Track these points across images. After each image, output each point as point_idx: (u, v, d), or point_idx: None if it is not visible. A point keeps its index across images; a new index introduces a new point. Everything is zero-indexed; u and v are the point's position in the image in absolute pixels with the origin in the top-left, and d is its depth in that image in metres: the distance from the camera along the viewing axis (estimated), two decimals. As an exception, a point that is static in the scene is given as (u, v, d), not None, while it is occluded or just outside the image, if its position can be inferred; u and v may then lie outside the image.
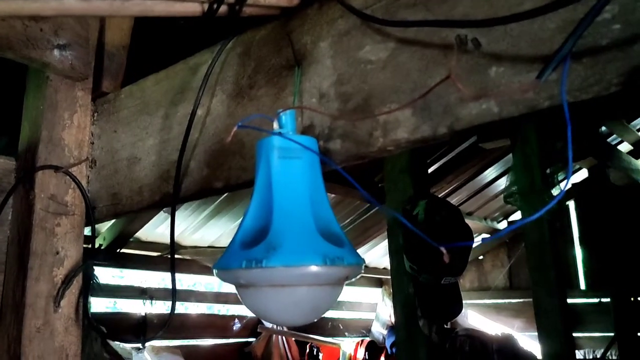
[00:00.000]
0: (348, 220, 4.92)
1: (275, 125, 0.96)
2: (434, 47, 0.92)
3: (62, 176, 1.41)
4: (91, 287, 1.41)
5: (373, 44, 1.00)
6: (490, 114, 0.85)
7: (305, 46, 1.11)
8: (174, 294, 1.29)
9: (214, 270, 0.94)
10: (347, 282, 0.95)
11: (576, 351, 5.28)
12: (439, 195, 4.83)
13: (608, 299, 4.78)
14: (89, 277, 1.42)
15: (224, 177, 1.18)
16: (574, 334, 5.23)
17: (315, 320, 0.98)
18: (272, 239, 0.88)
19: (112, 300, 4.39)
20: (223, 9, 1.09)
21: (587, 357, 5.20)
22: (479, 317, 6.12)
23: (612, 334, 4.52)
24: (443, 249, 0.78)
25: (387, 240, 3.67)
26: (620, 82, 0.74)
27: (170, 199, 1.27)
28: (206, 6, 1.07)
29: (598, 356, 4.84)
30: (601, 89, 0.76)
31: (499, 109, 0.85)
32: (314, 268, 0.85)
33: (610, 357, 4.59)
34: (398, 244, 2.46)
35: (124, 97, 1.47)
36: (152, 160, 1.35)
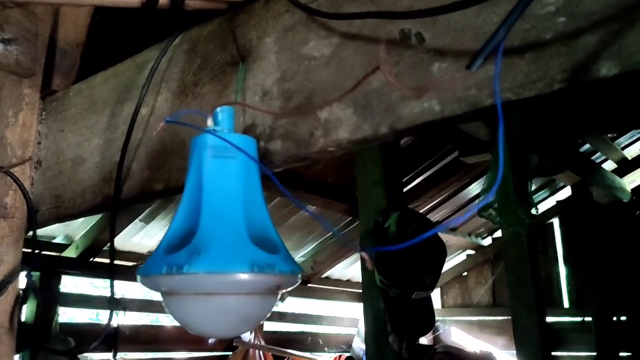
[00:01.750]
0: (330, 234, 4.85)
1: (210, 122, 0.90)
2: (378, 43, 0.86)
3: (2, 176, 1.34)
4: (29, 296, 1.33)
5: (317, 40, 0.95)
6: (432, 112, 0.79)
7: (251, 42, 1.05)
8: (111, 301, 1.21)
9: (137, 277, 0.87)
10: (281, 291, 0.89)
11: (558, 370, 5.23)
12: (423, 210, 4.77)
13: (591, 318, 4.73)
14: (28, 285, 1.34)
15: (164, 178, 1.12)
16: (557, 353, 5.18)
17: (247, 331, 0.92)
18: (197, 243, 0.81)
19: (81, 309, 4.28)
20: (164, 0, 1.03)
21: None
22: (462, 334, 6.03)
23: (594, 354, 4.46)
24: (365, 255, 0.72)
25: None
26: (564, 79, 0.69)
27: (111, 202, 1.20)
28: (145, -3, 1.02)
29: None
30: (544, 85, 0.70)
31: (440, 108, 0.79)
32: (240, 275, 0.79)
33: (592, 377, 4.53)
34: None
35: (73, 95, 1.41)
36: (96, 161, 1.28)
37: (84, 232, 3.78)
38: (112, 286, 1.22)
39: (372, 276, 2.33)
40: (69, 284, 3.83)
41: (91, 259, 3.84)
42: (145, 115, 1.19)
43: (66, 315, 4.05)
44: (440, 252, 2.27)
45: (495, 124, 0.65)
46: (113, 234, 1.19)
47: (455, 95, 0.77)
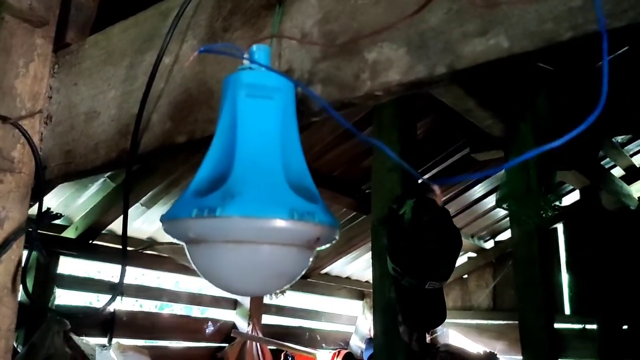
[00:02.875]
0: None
1: (246, 61, 0.82)
2: (436, -24, 0.79)
3: (10, 129, 1.25)
4: (34, 259, 1.25)
5: (366, -23, 0.87)
6: (499, 49, 0.72)
7: (289, -17, 0.97)
8: (120, 285, 1.14)
9: (161, 222, 0.79)
10: (318, 247, 0.81)
11: (558, 377, 5.15)
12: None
13: (593, 326, 4.66)
14: (34, 246, 1.26)
15: (187, 130, 1.04)
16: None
17: (279, 290, 0.83)
18: (231, 186, 0.73)
19: (79, 293, 4.18)
20: None
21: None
22: (460, 337, 5.95)
23: (595, 361, 4.40)
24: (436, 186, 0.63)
25: (370, 253, 3.53)
26: (661, 6, 0.61)
27: (127, 156, 1.12)
28: None
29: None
30: (637, 15, 0.62)
31: (509, 44, 0.71)
32: (278, 222, 0.71)
33: (593, 385, 4.46)
34: (382, 245, 2.31)
35: (88, 47, 1.33)
36: (112, 114, 1.20)
37: (84, 213, 3.69)
38: (122, 271, 1.14)
39: (383, 265, 2.26)
40: (67, 266, 3.73)
41: (90, 241, 3.76)
42: (169, 65, 1.11)
43: (62, 297, 3.96)
44: (456, 241, 2.19)
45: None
46: (127, 199, 1.12)
47: (528, 30, 0.69)
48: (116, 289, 1.18)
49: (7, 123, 1.24)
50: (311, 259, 0.81)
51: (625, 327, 4.61)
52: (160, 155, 1.11)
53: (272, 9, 0.97)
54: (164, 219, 0.78)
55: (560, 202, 2.34)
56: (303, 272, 0.81)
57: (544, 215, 2.22)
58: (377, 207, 2.36)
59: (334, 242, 0.82)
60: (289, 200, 0.73)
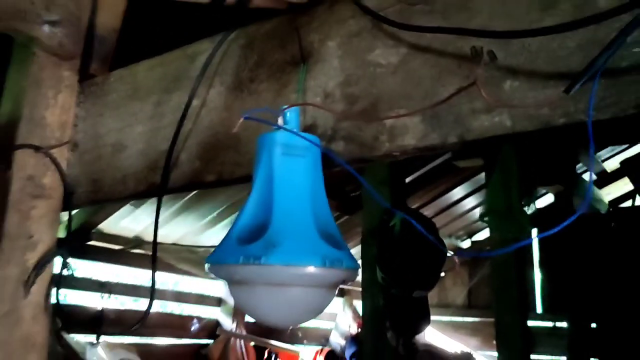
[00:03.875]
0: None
1: (280, 120, 0.94)
2: (448, 56, 0.91)
3: (41, 157, 1.35)
4: (64, 278, 1.35)
5: (384, 48, 0.99)
6: (503, 127, 0.85)
7: (313, 44, 1.09)
8: (152, 291, 1.24)
9: (206, 265, 0.90)
10: (342, 285, 0.93)
11: (529, 373, 5.38)
12: (408, 210, 4.86)
13: (563, 323, 4.88)
14: (63, 265, 1.36)
15: (216, 170, 1.15)
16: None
17: (306, 322, 0.96)
18: (272, 236, 0.85)
19: (67, 291, 4.24)
20: (231, -2, 1.07)
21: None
22: (437, 334, 6.16)
23: (564, 358, 4.61)
24: (455, 257, 0.76)
25: (356, 250, 3.66)
26: (638, 105, 0.75)
27: (156, 190, 1.23)
28: (215, -6, 1.05)
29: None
30: (618, 110, 0.76)
31: (512, 123, 0.84)
32: (312, 269, 0.83)
33: (562, 381, 4.68)
34: (371, 255, 2.45)
35: (114, 81, 1.42)
36: (140, 148, 1.31)
37: (73, 214, 3.75)
38: (153, 276, 1.25)
39: (373, 274, 2.39)
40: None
41: (85, 242, 3.82)
42: (197, 107, 1.22)
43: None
44: (442, 253, 2.34)
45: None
46: (157, 223, 1.22)
47: (527, 113, 0.83)
48: (152, 293, 1.27)
49: (39, 152, 1.34)
50: (334, 295, 0.94)
51: (593, 325, 4.85)
52: (188, 189, 1.22)
53: (297, 65, 1.09)
54: (210, 261, 0.89)
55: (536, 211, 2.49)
56: (329, 303, 0.94)
57: (524, 231, 2.38)
58: (368, 219, 2.49)
59: (357, 277, 0.95)
60: (320, 249, 0.86)
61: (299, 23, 1.12)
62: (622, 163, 4.90)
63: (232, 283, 0.89)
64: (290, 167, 0.92)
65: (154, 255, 1.25)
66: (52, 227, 1.35)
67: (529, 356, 3.60)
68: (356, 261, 0.91)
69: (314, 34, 1.09)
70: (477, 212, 5.30)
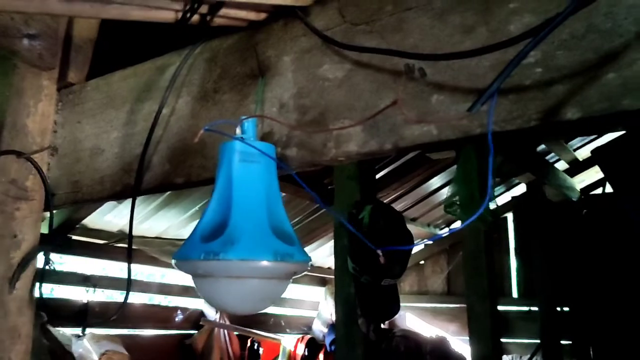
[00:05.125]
0: (296, 219, 5.02)
1: (238, 130, 1.06)
2: (385, 72, 1.03)
3: (23, 162, 1.45)
4: (46, 273, 1.45)
5: (331, 64, 1.11)
6: (430, 135, 0.97)
7: (270, 59, 1.20)
8: (128, 284, 1.35)
9: (173, 261, 1.02)
10: (294, 277, 1.05)
11: (504, 356, 5.57)
12: (385, 201, 4.99)
13: (537, 308, 5.06)
14: (45, 262, 1.47)
15: (184, 173, 1.26)
16: (504, 340, 5.52)
17: (263, 309, 1.08)
18: (230, 234, 0.97)
19: (52, 286, 4.33)
20: (195, 17, 1.17)
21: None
22: (416, 320, 6.33)
23: (538, 341, 4.79)
24: (379, 252, 0.89)
25: (332, 241, 3.79)
26: (538, 118, 0.87)
27: (130, 190, 1.34)
28: (180, 15, 1.15)
29: (525, 361, 5.11)
30: (523, 122, 0.89)
31: (437, 132, 0.96)
32: (265, 263, 0.95)
33: (535, 363, 4.86)
34: (343, 245, 2.57)
35: (90, 90, 1.53)
36: (115, 152, 1.41)
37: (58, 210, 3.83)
38: (129, 269, 1.36)
39: (344, 263, 2.52)
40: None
41: (68, 235, 3.90)
42: (166, 115, 1.32)
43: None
44: (409, 242, 2.47)
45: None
46: (132, 222, 1.33)
47: (450, 124, 0.95)
48: (129, 285, 1.38)
49: (21, 157, 1.44)
50: (287, 285, 1.06)
51: (566, 309, 5.04)
52: (159, 190, 1.33)
53: (256, 78, 1.21)
54: (176, 257, 1.01)
55: (497, 207, 2.62)
56: (282, 293, 1.06)
57: (485, 220, 2.52)
58: (339, 211, 2.61)
59: (307, 269, 1.07)
60: (273, 245, 0.98)
61: (258, 39, 1.23)
62: (592, 152, 5.08)
63: (196, 276, 1.01)
64: (248, 173, 1.03)
65: (129, 249, 1.36)
66: (35, 226, 1.45)
67: (499, 340, 3.77)
68: (306, 255, 1.04)
69: (271, 49, 1.20)
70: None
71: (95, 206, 3.78)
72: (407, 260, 2.46)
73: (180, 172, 1.28)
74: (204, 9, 1.16)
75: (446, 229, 6.62)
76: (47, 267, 1.46)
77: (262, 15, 1.22)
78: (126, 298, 1.39)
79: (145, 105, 1.38)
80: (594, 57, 0.83)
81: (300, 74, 1.15)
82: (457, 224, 6.47)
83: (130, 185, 1.34)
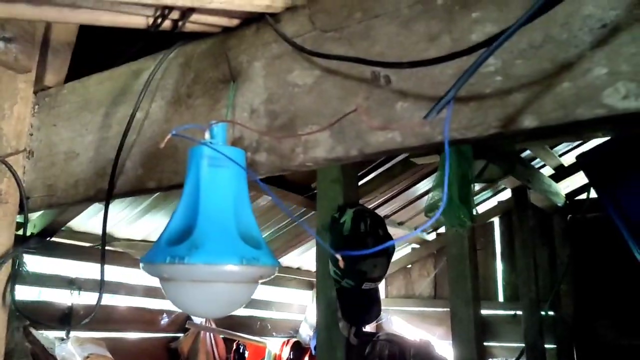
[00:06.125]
0: (283, 223, 5.03)
1: (207, 135, 1.06)
2: (353, 79, 1.05)
3: (-2, 165, 1.45)
4: (19, 275, 1.45)
5: (301, 70, 1.12)
6: (395, 142, 0.99)
7: (242, 64, 1.21)
8: (101, 285, 1.36)
9: (140, 264, 1.03)
10: (262, 281, 1.06)
11: (490, 359, 5.60)
12: (372, 205, 5.01)
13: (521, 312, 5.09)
14: (18, 264, 1.47)
15: (157, 178, 1.27)
16: (489, 343, 5.55)
17: (230, 313, 1.08)
18: (196, 238, 0.98)
19: (37, 288, 4.31)
20: (167, 23, 1.18)
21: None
22: (403, 324, 6.34)
23: (523, 345, 4.82)
24: (338, 256, 0.90)
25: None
26: (498, 126, 0.89)
27: (104, 195, 1.34)
28: (151, 20, 1.16)
29: (509, 365, 5.13)
30: (482, 130, 0.90)
31: (401, 139, 0.98)
32: (231, 267, 0.96)
33: (519, 366, 4.88)
34: (325, 249, 2.58)
35: (67, 93, 1.53)
36: (90, 156, 1.42)
37: (42, 212, 3.82)
38: (102, 271, 1.36)
39: (326, 267, 2.53)
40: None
41: (48, 239, 3.89)
42: (140, 119, 1.33)
43: (21, 293, 4.07)
44: (390, 248, 2.48)
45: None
46: (105, 225, 1.33)
47: (414, 130, 0.96)
48: (102, 287, 1.39)
49: (-5, 161, 1.44)
50: (255, 289, 1.07)
51: (551, 312, 5.07)
52: (132, 195, 1.34)
53: (228, 83, 1.22)
54: (143, 261, 1.02)
55: (477, 213, 2.65)
56: (250, 297, 1.07)
57: (464, 225, 2.54)
58: (321, 215, 2.62)
59: (275, 273, 1.07)
60: (239, 249, 0.98)
61: (230, 44, 1.24)
62: (577, 157, 5.13)
63: (163, 280, 1.01)
64: (216, 177, 1.04)
65: (102, 251, 1.37)
66: (9, 229, 1.45)
67: (482, 344, 3.79)
68: (274, 259, 1.05)
69: (243, 55, 1.22)
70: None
71: (80, 209, 3.78)
72: (387, 264, 2.47)
73: (152, 176, 1.28)
74: (175, 14, 1.17)
75: (433, 235, 6.65)
76: (19, 269, 1.46)
77: (235, 22, 1.23)
78: (99, 301, 1.39)
79: (120, 109, 1.39)
80: (550, 67, 0.85)
81: (270, 80, 1.16)
82: (443, 229, 6.50)
83: (104, 189, 1.35)
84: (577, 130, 2.52)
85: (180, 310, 4.74)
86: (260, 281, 1.06)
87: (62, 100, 1.53)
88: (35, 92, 1.58)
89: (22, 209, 1.49)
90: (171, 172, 1.25)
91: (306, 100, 1.10)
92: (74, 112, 1.49)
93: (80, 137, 1.45)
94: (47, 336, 3.67)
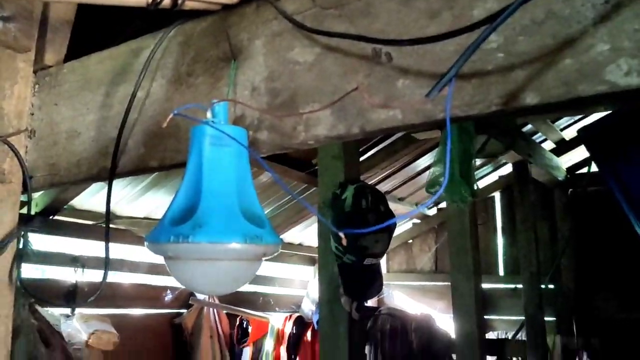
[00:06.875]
0: (285, 199, 5.05)
1: (209, 114, 1.07)
2: (353, 56, 1.04)
3: (0, 145, 1.46)
4: (24, 254, 1.47)
5: (302, 47, 1.12)
6: (396, 120, 0.99)
7: (242, 42, 1.21)
8: (106, 263, 1.37)
9: (145, 243, 1.04)
10: (265, 258, 1.07)
11: (490, 332, 5.67)
12: (373, 181, 5.02)
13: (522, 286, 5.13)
14: (23, 243, 1.48)
15: (159, 157, 1.28)
16: (490, 317, 5.61)
17: (234, 290, 1.10)
18: (199, 217, 0.99)
19: (42, 267, 4.35)
20: (166, 1, 1.18)
21: (499, 338, 5.56)
22: (405, 298, 6.41)
23: (522, 318, 4.87)
24: (341, 234, 0.91)
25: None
26: (499, 103, 0.89)
27: (107, 174, 1.35)
28: (151, -2, 1.15)
29: (509, 337, 5.18)
30: (484, 107, 0.90)
31: (403, 117, 0.98)
32: (235, 245, 0.97)
33: (520, 338, 4.94)
34: (326, 226, 2.59)
35: (67, 72, 1.53)
36: (92, 135, 1.42)
37: (45, 191, 3.83)
38: (107, 249, 1.38)
39: (327, 243, 2.55)
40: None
41: (50, 217, 3.91)
42: (141, 98, 1.33)
43: (26, 271, 4.11)
44: (391, 224, 2.50)
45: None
46: (109, 204, 1.34)
47: (415, 108, 0.96)
48: (107, 265, 1.41)
49: (-2, 141, 1.44)
50: (259, 267, 1.08)
51: (551, 286, 5.12)
52: (135, 173, 1.35)
53: (228, 61, 1.21)
54: (148, 240, 1.03)
55: (478, 188, 2.66)
56: (254, 274, 1.08)
57: (465, 200, 2.55)
58: (323, 191, 2.63)
59: (278, 251, 1.09)
60: (242, 228, 0.99)
61: (230, 22, 1.23)
62: (578, 131, 5.11)
63: (167, 259, 1.02)
64: (218, 156, 1.05)
65: (107, 229, 1.38)
66: (13, 209, 1.46)
67: (483, 317, 3.83)
68: (277, 237, 1.06)
69: (244, 32, 1.21)
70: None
71: (82, 188, 3.79)
72: (389, 240, 2.49)
73: (154, 155, 1.29)
74: (175, -8, 1.16)
75: (434, 210, 6.67)
76: (25, 248, 1.48)
77: (235, -1, 1.23)
78: (104, 278, 1.41)
79: (120, 88, 1.39)
80: (552, 43, 0.85)
81: (271, 58, 1.15)
82: (444, 204, 6.52)
83: (107, 168, 1.35)
84: (578, 106, 2.51)
85: (183, 287, 4.80)
86: (263, 259, 1.07)
87: (63, 79, 1.53)
88: (35, 72, 1.58)
89: (26, 188, 1.49)
90: (173, 150, 1.25)
91: (307, 78, 1.10)
92: (75, 92, 1.49)
93: (82, 116, 1.45)
94: (53, 313, 3.72)
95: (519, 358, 4.88)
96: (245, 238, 0.97)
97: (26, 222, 1.49)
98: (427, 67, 0.96)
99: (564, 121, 5.57)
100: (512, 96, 0.87)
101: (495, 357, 4.58)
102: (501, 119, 3.10)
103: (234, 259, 1.01)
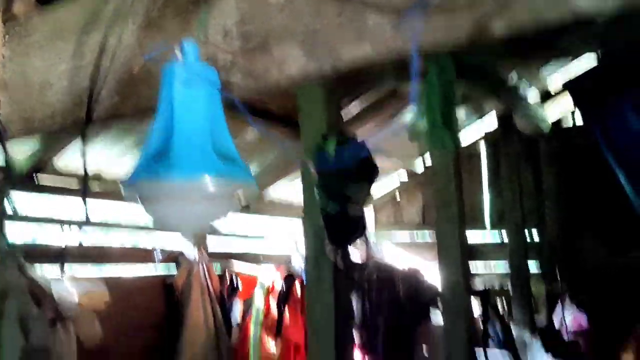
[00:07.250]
0: (271, 154, 5.04)
1: (179, 54, 1.06)
2: (324, -7, 1.03)
3: (-28, 98, 1.44)
4: (8, 213, 1.47)
5: (274, -14, 1.10)
6: (367, 57, 0.99)
7: (213, -16, 1.18)
8: (86, 219, 1.38)
9: (121, 186, 1.04)
10: (244, 203, 1.08)
11: (477, 283, 5.78)
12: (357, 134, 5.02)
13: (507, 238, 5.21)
14: (8, 202, 1.48)
15: (132, 104, 1.27)
16: (475, 269, 5.71)
17: (210, 226, 1.11)
18: (172, 156, 0.99)
19: (30, 229, 4.34)
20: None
21: (486, 288, 5.68)
22: (393, 251, 6.50)
23: (508, 270, 4.97)
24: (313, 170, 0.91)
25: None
26: (469, 34, 0.89)
27: (81, 123, 1.34)
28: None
29: (496, 288, 5.29)
30: (454, 39, 0.90)
31: (374, 53, 0.98)
32: (207, 182, 0.98)
33: (504, 288, 5.06)
34: (310, 178, 2.60)
35: (37, 21, 1.49)
36: (64, 85, 1.40)
37: (30, 153, 3.79)
38: (84, 202, 1.38)
39: (312, 197, 2.56)
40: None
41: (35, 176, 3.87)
42: (113, 46, 1.31)
43: (14, 233, 4.11)
44: (373, 172, 2.51)
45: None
46: (85, 154, 1.34)
47: (386, 44, 0.96)
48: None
49: (-31, 93, 1.42)
50: (233, 204, 1.09)
51: (536, 237, 5.21)
52: (110, 122, 1.34)
53: (199, 5, 1.19)
54: (123, 183, 1.03)
55: (459, 137, 2.67)
56: (229, 212, 1.09)
57: (448, 148, 2.55)
58: (305, 142, 2.63)
59: (255, 193, 1.09)
60: (214, 166, 1.00)
61: (200, -36, 1.20)
62: (564, 84, 5.11)
63: (143, 199, 1.03)
64: (189, 96, 1.04)
65: (84, 186, 1.38)
66: (-11, 162, 1.45)
67: (468, 267, 3.89)
68: (251, 176, 1.06)
69: (214, -26, 1.18)
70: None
71: (63, 144, 3.74)
72: (369, 188, 2.50)
73: (128, 103, 1.28)
74: None
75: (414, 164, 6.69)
76: (9, 206, 1.47)
77: (204, -61, 1.20)
78: (79, 239, 1.42)
79: (91, 37, 1.36)
80: (521, -29, 0.84)
81: (242, 0, 1.14)
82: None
83: (81, 118, 1.34)
84: (550, 40, 2.48)
85: (174, 248, 4.83)
86: (242, 200, 1.08)
87: (33, 29, 1.49)
88: (4, 22, 1.54)
89: (1, 140, 1.48)
90: (146, 97, 1.24)
91: (279, 19, 1.08)
92: (46, 41, 1.46)
93: (54, 66, 1.43)
94: (43, 275, 3.73)
95: (505, 307, 5.00)
96: (217, 175, 0.98)
97: (5, 175, 1.48)
98: (397, 3, 0.95)
99: (550, 70, 5.54)
100: (482, 27, 0.87)
101: (481, 307, 4.69)
102: (484, 63, 3.08)
103: (207, 197, 1.01)
